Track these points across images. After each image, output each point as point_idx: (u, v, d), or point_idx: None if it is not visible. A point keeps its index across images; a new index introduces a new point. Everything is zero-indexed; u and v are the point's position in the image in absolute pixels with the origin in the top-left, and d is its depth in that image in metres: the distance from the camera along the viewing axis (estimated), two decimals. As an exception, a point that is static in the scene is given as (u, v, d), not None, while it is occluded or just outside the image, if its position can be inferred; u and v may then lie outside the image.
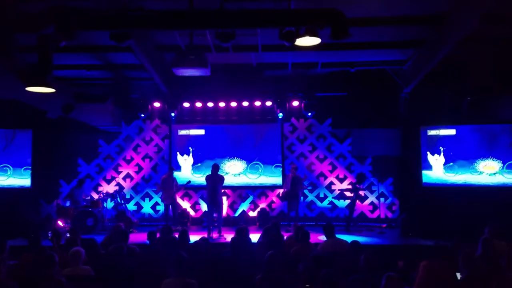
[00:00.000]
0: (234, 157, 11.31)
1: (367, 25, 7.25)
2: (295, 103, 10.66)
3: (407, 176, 10.51)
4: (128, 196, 11.29)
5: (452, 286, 4.24)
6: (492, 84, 9.44)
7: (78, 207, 9.90)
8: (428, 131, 10.59)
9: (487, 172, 10.08)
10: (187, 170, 11.29)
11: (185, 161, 11.33)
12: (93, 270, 4.78)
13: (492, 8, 6.23)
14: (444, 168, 10.31)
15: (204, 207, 11.06)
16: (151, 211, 11.39)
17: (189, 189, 11.09)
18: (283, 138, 11.30)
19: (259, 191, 11.30)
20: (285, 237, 6.86)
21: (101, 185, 11.39)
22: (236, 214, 11.23)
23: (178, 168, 11.18)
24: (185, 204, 11.28)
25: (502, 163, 9.95)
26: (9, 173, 11.23)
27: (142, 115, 11.06)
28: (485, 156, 10.07)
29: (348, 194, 10.44)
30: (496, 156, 10.03)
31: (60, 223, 9.27)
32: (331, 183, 11.16)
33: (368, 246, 7.68)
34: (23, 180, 11.19)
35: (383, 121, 10.68)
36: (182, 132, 11.48)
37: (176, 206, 10.35)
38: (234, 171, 11.24)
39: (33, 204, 11.07)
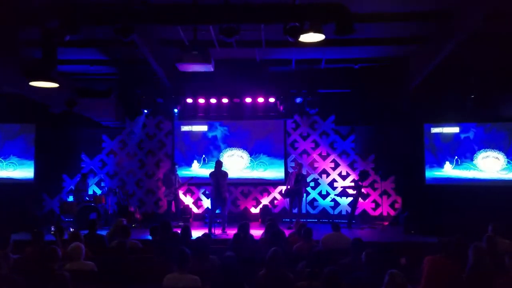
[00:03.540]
0: (236, 149, 11.34)
1: (372, 21, 7.20)
2: (299, 100, 10.60)
3: (410, 173, 10.47)
4: (131, 192, 11.31)
5: (456, 280, 4.24)
6: (496, 81, 9.40)
7: (81, 202, 9.91)
8: (431, 128, 10.56)
9: (490, 169, 10.06)
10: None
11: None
12: (97, 265, 4.78)
13: (496, 6, 6.19)
14: (450, 165, 10.31)
15: (206, 203, 11.07)
16: (153, 207, 11.40)
17: (191, 185, 11.09)
18: (286, 135, 11.28)
19: (261, 187, 11.28)
20: (287, 234, 6.85)
21: (104, 180, 11.41)
22: (238, 211, 11.22)
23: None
24: (188, 200, 11.29)
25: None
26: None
27: (145, 111, 11.05)
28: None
29: (350, 191, 10.42)
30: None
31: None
32: (334, 180, 11.13)
33: (370, 243, 7.64)
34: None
35: (387, 118, 10.63)
36: (185, 128, 11.48)
37: (179, 202, 10.36)
38: (236, 167, 11.24)
39: (36, 198, 11.10)
